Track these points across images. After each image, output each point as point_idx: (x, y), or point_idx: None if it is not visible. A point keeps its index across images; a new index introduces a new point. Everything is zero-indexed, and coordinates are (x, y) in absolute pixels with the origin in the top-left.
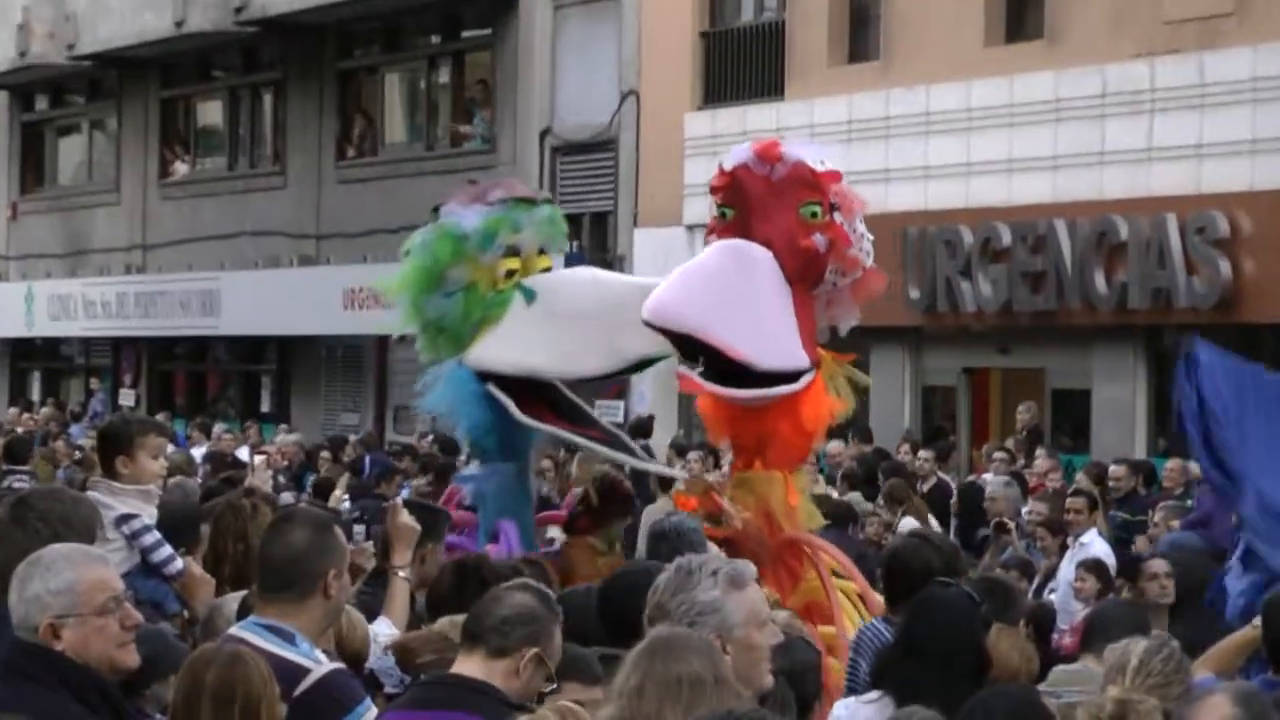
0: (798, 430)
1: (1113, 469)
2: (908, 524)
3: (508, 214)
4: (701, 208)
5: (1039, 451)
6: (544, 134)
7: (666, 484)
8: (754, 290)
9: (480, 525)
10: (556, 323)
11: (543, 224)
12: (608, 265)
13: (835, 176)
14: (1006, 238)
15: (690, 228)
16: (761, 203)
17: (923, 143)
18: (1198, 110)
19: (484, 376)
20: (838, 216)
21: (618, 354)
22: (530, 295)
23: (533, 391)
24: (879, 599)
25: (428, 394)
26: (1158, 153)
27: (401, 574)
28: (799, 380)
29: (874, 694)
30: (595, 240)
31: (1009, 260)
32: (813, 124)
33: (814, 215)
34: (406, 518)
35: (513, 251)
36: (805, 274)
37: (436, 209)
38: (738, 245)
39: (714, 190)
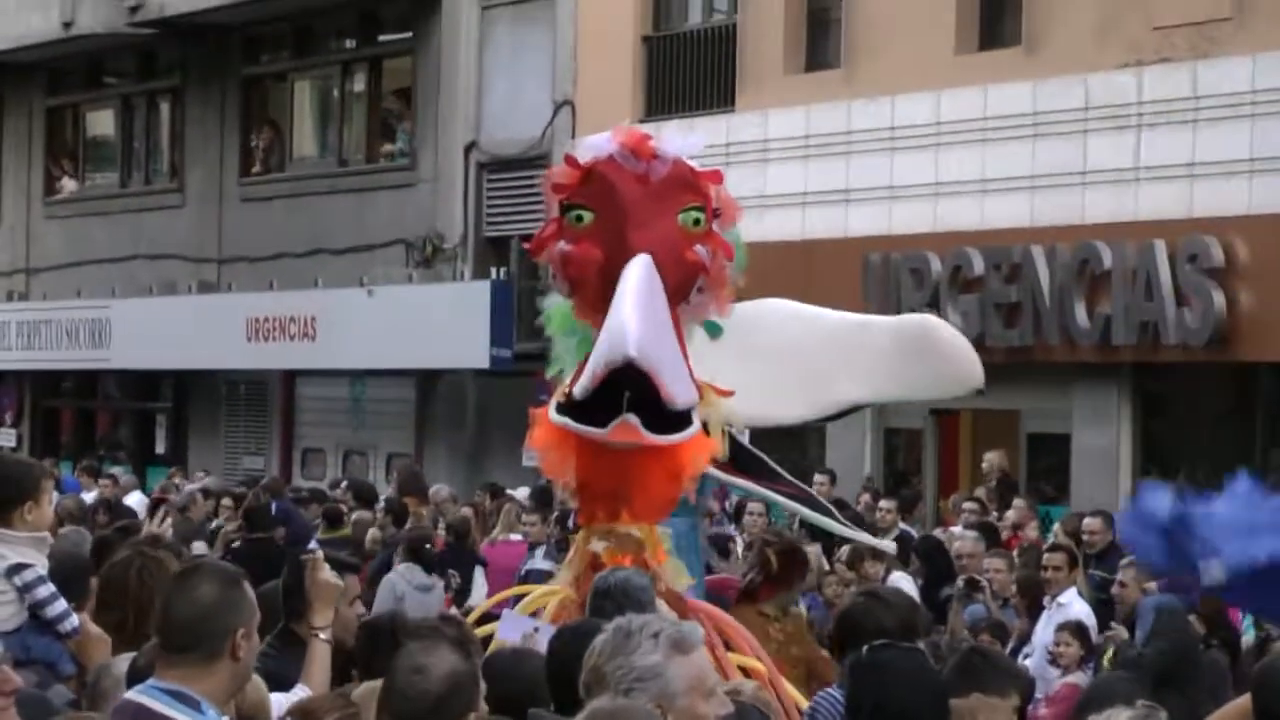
0: (671, 477)
1: (1087, 522)
2: (897, 579)
3: None
4: None
5: (1017, 502)
6: (469, 148)
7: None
8: (665, 318)
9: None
10: (750, 361)
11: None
12: (539, 294)
13: (716, 177)
14: (979, 265)
15: None
16: (639, 207)
17: (887, 160)
18: (1190, 125)
19: None
20: (715, 225)
21: (825, 400)
22: (715, 329)
23: None
24: (790, 690)
25: None
26: (1145, 172)
27: (322, 636)
28: (694, 419)
29: None
30: (524, 266)
31: (981, 290)
32: (766, 138)
33: (697, 223)
34: (328, 574)
35: None
36: (682, 291)
37: None
38: (650, 264)
39: (561, 189)
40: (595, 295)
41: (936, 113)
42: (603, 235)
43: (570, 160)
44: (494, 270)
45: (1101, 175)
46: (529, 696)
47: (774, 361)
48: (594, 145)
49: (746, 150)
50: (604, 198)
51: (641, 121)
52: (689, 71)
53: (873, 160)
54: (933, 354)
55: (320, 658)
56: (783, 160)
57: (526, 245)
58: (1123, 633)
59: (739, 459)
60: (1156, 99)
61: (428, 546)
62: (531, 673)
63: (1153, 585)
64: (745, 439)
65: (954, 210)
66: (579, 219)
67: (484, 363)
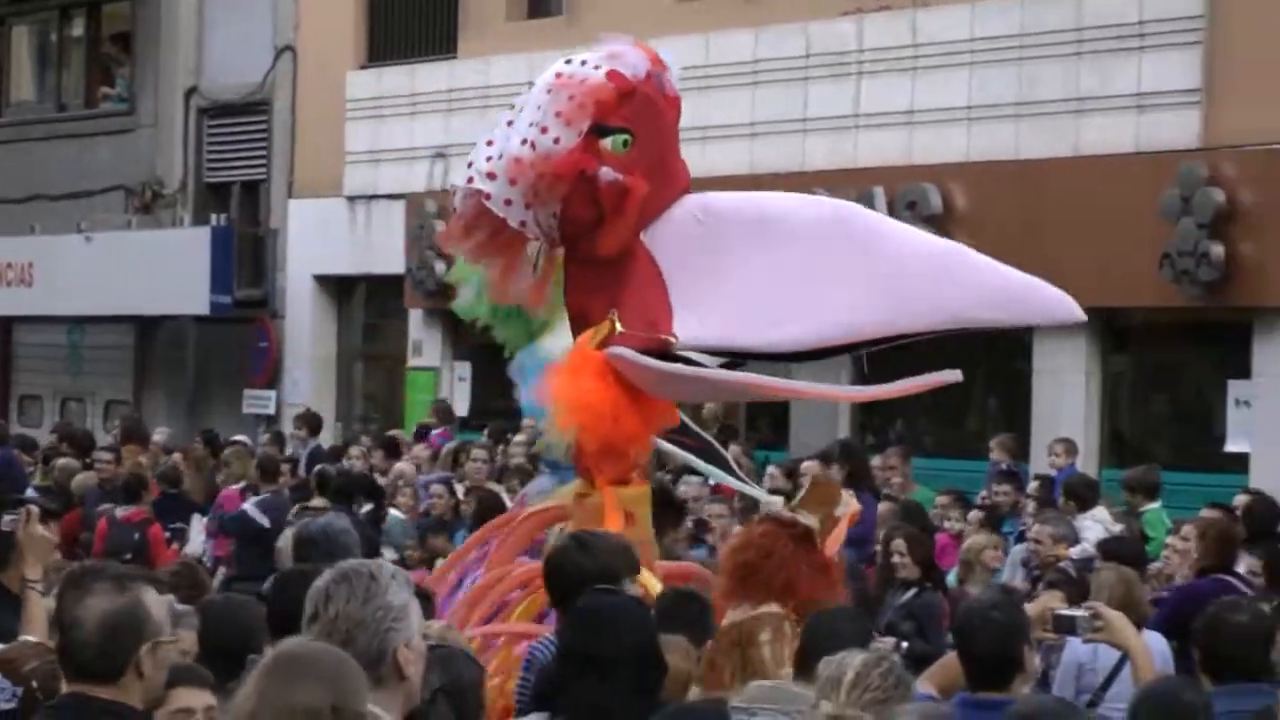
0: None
1: (805, 464)
2: None
3: None
4: (364, 176)
5: (732, 448)
6: (190, 93)
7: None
8: None
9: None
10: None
11: None
12: (258, 241)
13: None
14: None
15: (351, 199)
16: (675, 135)
17: None
18: (910, 73)
19: None
20: None
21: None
22: None
23: None
24: None
25: (519, 391)
26: (865, 120)
27: (39, 588)
28: None
29: (538, 716)
30: (245, 212)
31: None
32: (488, 85)
33: None
34: (40, 526)
35: None
36: None
37: None
38: None
39: (604, 107)
40: (624, 232)
41: None
42: (643, 163)
43: (616, 77)
44: (214, 216)
45: (822, 122)
46: (244, 644)
47: None
48: (627, 62)
49: (468, 97)
50: (645, 122)
51: (363, 68)
52: (411, 17)
53: None
54: None
55: (38, 610)
56: (504, 107)
57: (528, 164)
58: None
59: None
60: (877, 47)
61: None
62: (248, 619)
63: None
64: None
65: None
66: (626, 143)
67: (204, 309)
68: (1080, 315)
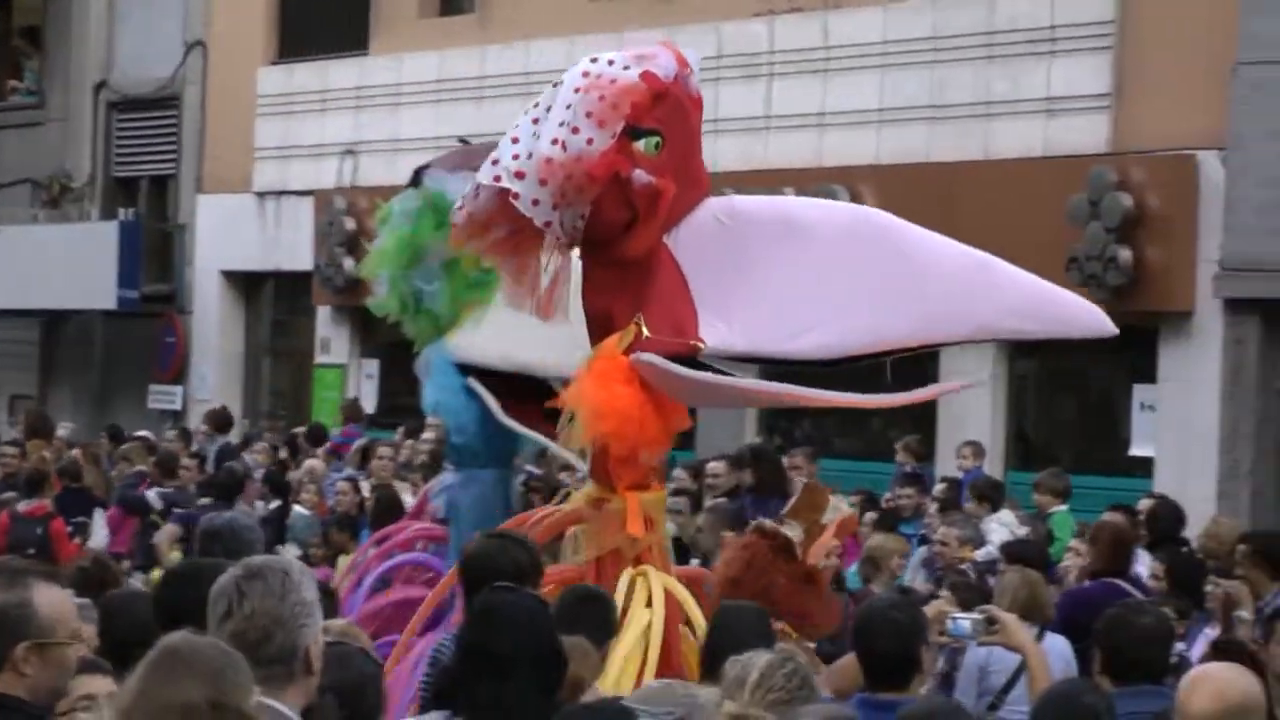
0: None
1: (711, 465)
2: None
3: None
4: (274, 172)
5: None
6: (99, 87)
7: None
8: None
9: (453, 541)
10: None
11: None
12: (166, 236)
13: None
14: None
15: (260, 195)
16: (698, 137)
17: (520, 105)
18: (821, 75)
19: (465, 368)
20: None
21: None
22: None
23: (524, 390)
24: None
25: (423, 388)
26: (776, 121)
27: None
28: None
29: (437, 715)
30: (153, 207)
31: None
32: (400, 82)
33: None
34: None
35: None
36: None
37: (418, 174)
38: None
39: (639, 106)
40: (653, 234)
41: (569, 58)
42: (671, 165)
43: (650, 78)
44: (122, 211)
45: (733, 123)
46: (145, 637)
47: (580, 310)
48: (659, 63)
49: (379, 94)
50: (674, 124)
51: (274, 64)
52: (322, 14)
53: (505, 105)
54: None
55: None
56: (415, 104)
57: (571, 164)
58: None
59: (554, 413)
60: (788, 48)
61: None
62: (149, 612)
63: (730, 535)
64: None
65: None
66: (658, 145)
67: (111, 304)
68: (1111, 328)
